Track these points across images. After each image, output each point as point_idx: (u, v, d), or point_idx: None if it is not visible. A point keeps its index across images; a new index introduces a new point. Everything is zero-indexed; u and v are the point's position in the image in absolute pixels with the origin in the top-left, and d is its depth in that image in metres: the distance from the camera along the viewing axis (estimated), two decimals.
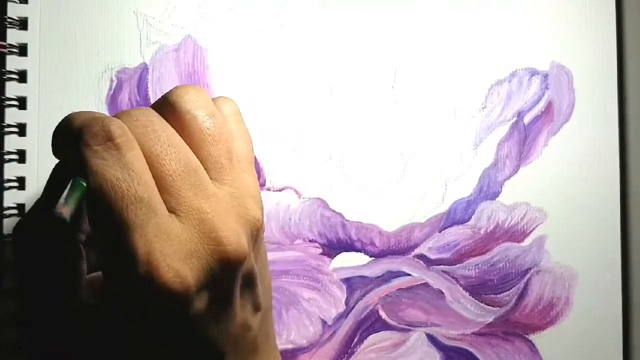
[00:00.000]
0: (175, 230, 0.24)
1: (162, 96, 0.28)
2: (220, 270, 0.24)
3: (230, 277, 0.25)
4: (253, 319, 0.28)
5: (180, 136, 0.26)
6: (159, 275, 0.23)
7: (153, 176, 0.24)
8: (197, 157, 0.26)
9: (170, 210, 0.24)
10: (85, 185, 0.24)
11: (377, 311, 0.40)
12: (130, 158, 0.24)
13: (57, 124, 0.27)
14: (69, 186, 0.24)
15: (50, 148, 0.27)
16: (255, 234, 0.27)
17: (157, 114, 0.27)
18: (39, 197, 0.29)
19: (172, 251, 0.23)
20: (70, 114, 0.26)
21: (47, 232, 0.27)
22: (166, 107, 0.27)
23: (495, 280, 0.41)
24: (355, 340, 0.40)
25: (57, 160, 0.37)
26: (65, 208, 0.24)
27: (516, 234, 0.42)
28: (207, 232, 0.24)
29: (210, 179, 0.26)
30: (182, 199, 0.24)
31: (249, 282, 0.27)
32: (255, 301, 0.28)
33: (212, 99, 0.29)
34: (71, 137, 0.25)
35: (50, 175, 0.29)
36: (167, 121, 0.26)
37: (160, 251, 0.23)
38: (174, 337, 0.25)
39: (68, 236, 0.27)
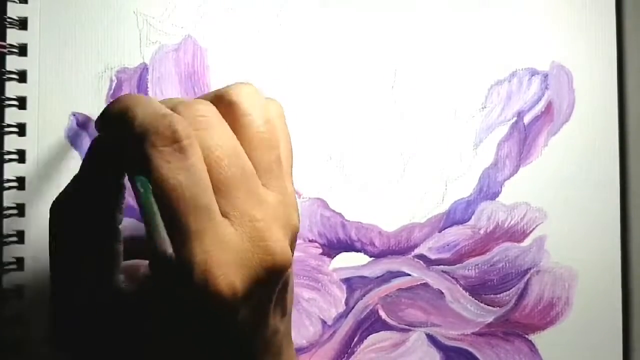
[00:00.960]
0: (230, 237, 0.24)
1: (221, 91, 0.27)
2: (266, 280, 0.25)
3: (274, 285, 0.26)
4: (280, 323, 0.28)
5: (236, 136, 0.26)
6: (214, 284, 0.23)
7: (210, 176, 0.24)
8: (250, 161, 0.26)
9: (224, 214, 0.24)
10: (148, 182, 0.24)
11: (377, 311, 0.40)
12: (195, 162, 0.24)
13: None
14: (140, 188, 0.24)
15: (95, 124, 0.27)
16: (294, 241, 0.27)
17: (217, 111, 0.26)
18: (76, 174, 0.29)
19: (226, 260, 0.23)
20: (129, 101, 0.26)
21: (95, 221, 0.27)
22: (224, 104, 0.27)
23: (495, 281, 0.41)
24: (355, 340, 0.40)
25: (54, 161, 0.37)
26: (156, 234, 0.24)
27: (516, 234, 0.42)
28: (257, 240, 0.24)
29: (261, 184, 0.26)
30: (237, 205, 0.24)
31: (283, 289, 0.28)
32: (284, 306, 0.28)
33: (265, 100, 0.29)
34: (133, 131, 0.24)
35: (92, 151, 0.28)
36: (224, 118, 0.26)
37: (216, 260, 0.23)
38: (213, 341, 0.25)
39: (107, 216, 0.27)
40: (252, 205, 0.25)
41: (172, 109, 0.26)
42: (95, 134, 0.29)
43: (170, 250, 0.23)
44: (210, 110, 0.26)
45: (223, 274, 0.23)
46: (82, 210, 0.27)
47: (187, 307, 0.24)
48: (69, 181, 0.29)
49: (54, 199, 0.29)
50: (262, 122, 0.27)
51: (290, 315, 0.30)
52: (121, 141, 0.25)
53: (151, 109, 0.25)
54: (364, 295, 0.40)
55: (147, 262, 0.28)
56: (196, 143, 0.24)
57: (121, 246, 0.28)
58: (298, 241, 0.40)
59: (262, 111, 0.27)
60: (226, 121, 0.26)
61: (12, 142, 0.36)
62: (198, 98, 0.28)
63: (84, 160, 0.29)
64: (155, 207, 0.24)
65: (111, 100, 0.38)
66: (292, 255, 0.27)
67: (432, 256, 0.41)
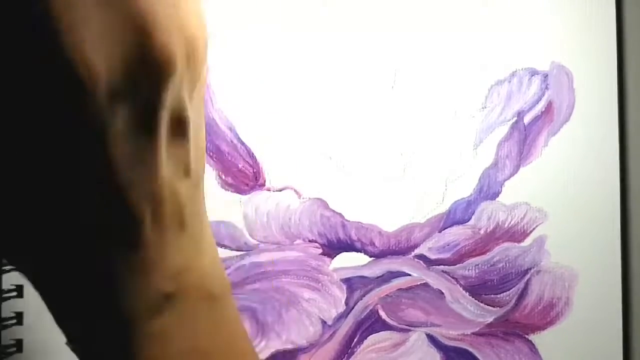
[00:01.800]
0: (95, 9, 0.18)
1: None
2: (141, 73, 0.19)
3: (154, 89, 0.19)
4: (181, 183, 0.21)
5: None
6: (60, 49, 0.17)
7: None
8: None
9: None
10: None
11: (377, 311, 0.40)
12: None
13: None
14: None
15: None
16: (193, 61, 0.21)
17: None
18: None
19: (76, 21, 0.17)
20: None
21: None
22: None
23: (495, 281, 0.41)
24: (355, 340, 0.40)
25: None
26: None
27: (516, 234, 0.42)
28: (130, 12, 0.18)
29: None
30: None
31: (180, 129, 0.21)
32: (186, 160, 0.21)
33: None
34: None
35: None
36: None
37: (66, 21, 0.17)
38: (80, 158, 0.18)
39: None
40: None
41: None
42: None
43: None
44: None
45: (73, 39, 0.17)
46: None
47: (34, 77, 0.17)
48: None
49: None
50: None
51: (199, 186, 0.23)
52: None
53: None
54: (364, 296, 0.40)
55: None
56: None
57: None
58: (298, 241, 0.40)
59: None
60: None
61: None
62: None
63: None
64: None
65: None
66: (184, 74, 0.21)
67: (432, 256, 0.41)
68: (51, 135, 0.18)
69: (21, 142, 0.18)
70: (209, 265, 0.22)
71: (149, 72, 0.19)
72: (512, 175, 0.42)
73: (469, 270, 0.41)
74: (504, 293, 0.41)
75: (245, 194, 0.39)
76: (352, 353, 0.40)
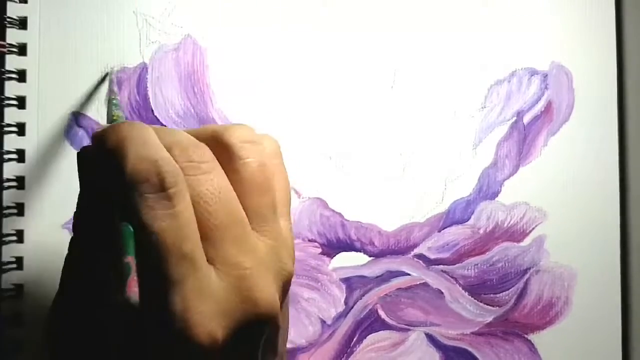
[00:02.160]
0: (213, 286, 0.24)
1: (217, 131, 0.27)
2: (250, 330, 0.25)
3: (258, 335, 0.25)
4: None
5: (229, 178, 0.26)
6: (192, 334, 0.23)
7: (198, 222, 0.24)
8: (242, 205, 0.26)
9: (210, 260, 0.24)
10: (132, 230, 0.24)
11: (377, 311, 0.40)
12: (181, 209, 0.24)
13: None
14: (122, 234, 0.24)
15: (77, 159, 0.27)
16: (287, 287, 0.27)
17: (211, 154, 0.26)
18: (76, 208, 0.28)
19: (207, 310, 0.23)
20: (123, 134, 0.25)
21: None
22: (220, 146, 0.27)
23: (494, 280, 0.41)
24: (355, 339, 0.40)
25: (54, 161, 0.37)
26: (128, 257, 0.24)
27: (515, 234, 0.42)
28: (243, 290, 0.24)
29: (252, 229, 0.26)
30: (224, 252, 0.24)
31: (273, 335, 0.28)
32: (274, 349, 0.28)
33: (259, 136, 0.28)
34: (124, 175, 0.24)
35: (82, 189, 0.28)
36: (217, 158, 0.26)
37: (196, 310, 0.23)
38: None
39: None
40: (240, 253, 0.25)
41: (167, 149, 0.25)
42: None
43: (135, 298, 0.23)
44: (205, 155, 0.26)
45: (202, 324, 0.23)
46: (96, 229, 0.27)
47: (167, 350, 0.23)
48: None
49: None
50: (256, 167, 0.27)
51: (283, 355, 0.30)
52: (111, 178, 0.25)
53: (143, 152, 0.24)
54: (363, 295, 0.40)
55: None
56: (185, 190, 0.24)
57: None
58: (297, 240, 0.40)
59: (257, 154, 0.27)
60: (220, 163, 0.26)
61: (12, 142, 0.37)
62: (196, 131, 0.27)
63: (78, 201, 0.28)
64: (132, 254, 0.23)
65: (109, 101, 0.38)
66: (283, 301, 0.27)
67: (432, 256, 0.41)
68: None
69: None
70: None
71: (256, 328, 0.25)
72: (511, 175, 0.42)
73: (468, 269, 0.41)
74: (503, 293, 0.41)
75: None
76: (352, 352, 0.40)
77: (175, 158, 0.25)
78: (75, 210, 0.28)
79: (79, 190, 0.28)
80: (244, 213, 0.26)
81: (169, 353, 0.23)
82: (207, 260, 0.24)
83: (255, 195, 0.26)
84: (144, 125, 0.26)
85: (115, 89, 0.31)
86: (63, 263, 0.28)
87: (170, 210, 0.23)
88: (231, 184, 0.26)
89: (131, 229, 0.24)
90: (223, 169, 0.26)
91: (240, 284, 0.24)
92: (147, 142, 0.25)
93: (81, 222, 0.27)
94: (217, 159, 0.26)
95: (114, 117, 0.31)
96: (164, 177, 0.24)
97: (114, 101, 0.32)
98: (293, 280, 0.39)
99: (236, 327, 0.24)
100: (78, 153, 0.28)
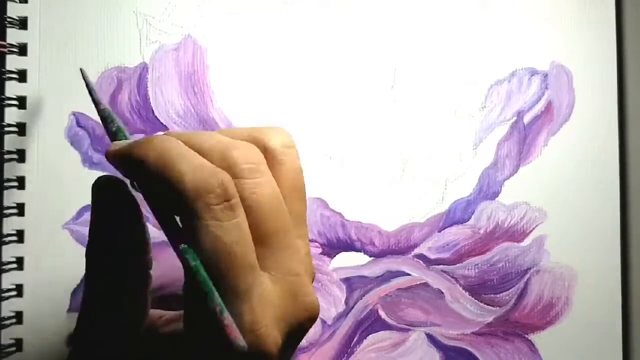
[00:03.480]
0: (270, 293, 0.24)
1: (257, 135, 0.27)
2: (301, 332, 0.26)
3: (303, 335, 0.26)
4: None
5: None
6: (260, 343, 0.23)
7: (251, 227, 0.24)
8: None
9: (264, 268, 0.24)
10: (192, 249, 0.23)
11: (377, 311, 0.40)
12: (242, 219, 0.24)
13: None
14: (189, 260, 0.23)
15: (115, 160, 0.25)
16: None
17: (264, 160, 0.26)
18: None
19: (270, 317, 0.24)
20: (167, 151, 0.24)
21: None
22: (261, 149, 0.26)
23: (494, 280, 0.41)
24: (355, 340, 0.40)
25: (54, 161, 0.37)
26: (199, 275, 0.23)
27: (516, 234, 0.42)
28: (297, 296, 0.25)
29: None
30: (277, 259, 0.25)
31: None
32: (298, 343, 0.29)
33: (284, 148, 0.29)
34: (187, 190, 0.23)
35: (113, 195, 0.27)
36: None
37: (262, 319, 0.24)
38: None
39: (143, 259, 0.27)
40: (291, 259, 0.25)
41: (221, 154, 0.25)
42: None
43: (227, 314, 0.23)
44: (258, 157, 0.25)
45: (268, 333, 0.24)
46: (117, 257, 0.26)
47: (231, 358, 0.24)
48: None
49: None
50: (296, 173, 0.27)
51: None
52: (160, 194, 0.24)
53: (199, 165, 0.24)
54: (363, 295, 0.40)
55: (158, 311, 0.28)
56: (242, 208, 0.24)
57: (148, 292, 0.27)
58: None
59: (296, 160, 0.28)
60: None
61: (12, 142, 0.37)
62: (232, 134, 0.27)
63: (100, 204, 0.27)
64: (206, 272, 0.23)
65: (109, 100, 0.38)
66: None
67: (432, 256, 0.41)
68: None
69: None
70: None
71: (303, 329, 0.26)
72: (511, 175, 0.42)
73: (468, 269, 0.41)
74: (504, 293, 0.41)
75: None
76: (352, 352, 0.40)
77: (232, 159, 0.24)
78: (91, 247, 0.27)
79: (92, 222, 0.26)
80: (291, 221, 0.26)
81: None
82: (261, 267, 0.24)
83: (296, 200, 0.27)
84: (171, 137, 0.25)
85: (99, 97, 0.29)
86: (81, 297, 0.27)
87: (235, 220, 0.23)
88: None
89: (191, 249, 0.23)
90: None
91: (294, 290, 0.25)
92: (193, 155, 0.24)
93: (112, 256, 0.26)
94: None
95: (115, 130, 0.28)
96: (227, 186, 0.23)
97: (106, 113, 0.28)
98: None
99: (291, 330, 0.25)
100: (96, 183, 0.26)
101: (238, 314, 0.23)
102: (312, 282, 0.27)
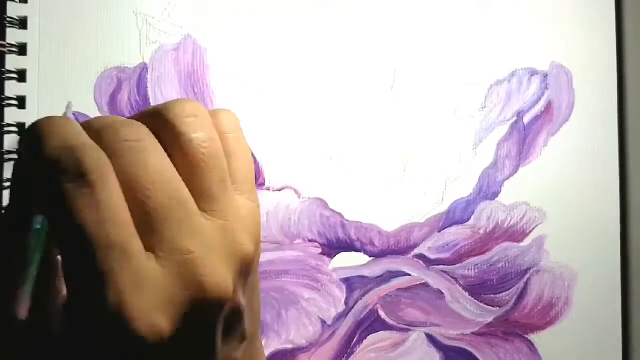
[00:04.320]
0: (152, 275, 0.22)
1: (156, 109, 0.25)
2: (200, 317, 0.23)
3: (211, 322, 0.24)
4: (237, 350, 0.26)
5: (170, 158, 0.24)
6: (131, 328, 0.21)
7: (134, 208, 0.22)
8: (187, 185, 0.24)
9: (149, 248, 0.22)
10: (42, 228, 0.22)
11: (377, 311, 0.40)
12: (105, 197, 0.22)
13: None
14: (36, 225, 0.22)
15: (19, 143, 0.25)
16: (246, 268, 0.25)
17: (149, 133, 0.24)
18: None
19: (146, 301, 0.21)
20: (44, 125, 0.23)
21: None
22: (160, 123, 0.25)
23: (494, 280, 0.41)
24: (355, 339, 0.40)
25: None
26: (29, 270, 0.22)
27: (515, 234, 0.42)
28: (188, 276, 0.22)
29: (200, 210, 0.24)
30: (165, 237, 0.22)
31: (235, 319, 0.26)
32: (241, 334, 0.26)
33: (211, 112, 0.26)
34: (41, 163, 0.22)
35: (14, 176, 0.26)
36: (158, 138, 0.24)
37: (131, 302, 0.21)
38: None
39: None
40: (184, 237, 0.23)
41: (96, 134, 0.23)
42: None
43: (24, 312, 0.22)
44: (139, 133, 0.23)
45: (140, 317, 0.21)
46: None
47: (107, 351, 0.22)
48: None
49: None
50: (202, 142, 0.24)
51: (254, 335, 0.28)
52: (31, 171, 0.23)
53: (62, 138, 0.22)
54: (363, 295, 0.40)
55: None
56: (109, 175, 0.22)
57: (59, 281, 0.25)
58: (297, 240, 0.40)
59: (204, 131, 0.25)
60: (160, 139, 0.24)
61: (12, 141, 0.36)
62: (135, 115, 0.26)
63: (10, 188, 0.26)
64: (37, 258, 0.22)
65: (109, 100, 0.38)
66: (239, 285, 0.25)
67: (432, 256, 0.41)
68: None
69: None
70: None
71: (206, 314, 0.23)
72: (511, 175, 0.42)
73: (468, 269, 0.41)
74: (504, 293, 0.41)
75: None
76: (352, 353, 0.40)
77: (106, 142, 0.23)
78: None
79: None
80: (188, 193, 0.23)
81: (115, 354, 0.22)
82: (146, 248, 0.22)
83: (200, 172, 0.24)
84: (68, 117, 0.24)
85: None
86: None
87: (93, 199, 0.21)
88: (176, 164, 0.24)
89: (41, 226, 0.22)
90: (166, 148, 0.24)
91: (183, 270, 0.22)
92: (68, 129, 0.23)
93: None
94: (159, 139, 0.24)
95: None
96: (82, 162, 0.22)
97: None
98: (293, 280, 0.39)
99: (183, 315, 0.22)
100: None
101: (101, 299, 0.21)
102: (240, 260, 0.25)
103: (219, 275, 0.23)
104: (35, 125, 0.23)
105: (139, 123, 0.24)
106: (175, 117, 0.25)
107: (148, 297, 0.21)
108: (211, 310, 0.23)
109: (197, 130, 0.25)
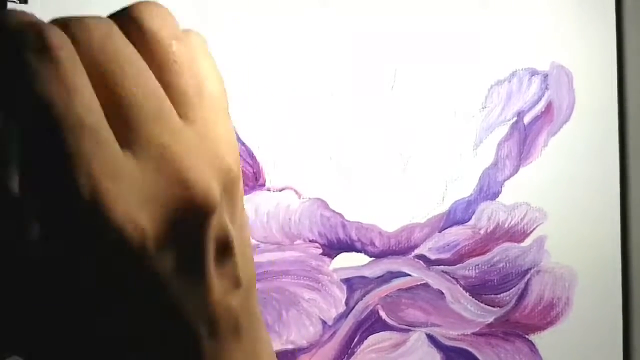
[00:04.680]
0: (129, 168, 0.20)
1: (121, 9, 0.23)
2: (186, 220, 0.20)
3: (198, 230, 0.21)
4: (233, 296, 0.23)
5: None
6: (108, 216, 0.19)
7: (105, 101, 0.20)
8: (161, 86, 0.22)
9: (125, 144, 0.20)
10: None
11: (377, 311, 0.40)
12: (70, 74, 0.19)
13: None
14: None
15: None
16: (230, 187, 0.22)
17: (117, 27, 0.22)
18: None
19: (123, 191, 0.19)
20: (7, 12, 0.21)
21: None
22: (125, 23, 0.22)
23: (495, 281, 0.41)
24: (356, 340, 0.40)
25: None
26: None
27: (516, 234, 0.42)
28: (170, 173, 0.20)
29: (177, 114, 0.22)
30: (142, 131, 0.20)
31: (224, 248, 0.23)
32: (235, 274, 0.23)
33: (182, 30, 0.26)
34: (1, 39, 0.20)
35: None
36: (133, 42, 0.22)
37: (107, 189, 0.19)
38: (134, 301, 0.20)
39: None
40: (163, 133, 0.20)
41: (62, 25, 0.21)
42: None
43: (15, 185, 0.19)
44: (106, 26, 0.21)
45: (120, 207, 0.19)
46: None
47: (85, 252, 0.20)
48: None
49: None
50: (173, 43, 0.22)
51: (251, 289, 0.24)
52: None
53: (25, 17, 0.21)
54: (364, 296, 0.40)
55: None
56: (76, 57, 0.20)
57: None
58: (298, 241, 0.40)
59: (173, 31, 0.22)
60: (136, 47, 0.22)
61: None
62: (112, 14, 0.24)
63: None
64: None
65: None
66: (224, 203, 0.22)
67: (432, 256, 0.41)
68: (108, 286, 0.20)
69: (81, 291, 0.20)
70: None
71: (192, 218, 0.21)
72: (512, 175, 0.42)
73: (469, 270, 0.41)
74: (504, 293, 0.41)
75: (246, 194, 0.39)
76: (352, 353, 0.40)
77: (73, 31, 0.20)
78: None
79: None
80: (164, 93, 0.21)
81: (88, 253, 0.19)
82: (122, 145, 0.20)
83: (173, 74, 0.22)
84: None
85: None
86: None
87: (58, 73, 0.19)
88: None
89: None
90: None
91: (167, 166, 0.20)
92: (30, 14, 0.21)
93: None
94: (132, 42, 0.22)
95: None
96: (47, 35, 0.20)
97: None
98: (294, 281, 0.39)
99: (166, 216, 0.20)
100: None
101: (71, 182, 0.19)
102: (224, 176, 0.22)
103: (203, 176, 0.21)
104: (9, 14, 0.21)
105: (105, 17, 0.22)
106: (141, 14, 0.22)
107: (125, 189, 0.19)
108: (198, 214, 0.21)
109: (165, 29, 0.22)
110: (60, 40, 0.20)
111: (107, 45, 0.21)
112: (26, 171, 0.19)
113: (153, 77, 0.21)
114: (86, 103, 0.19)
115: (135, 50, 0.21)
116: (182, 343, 0.21)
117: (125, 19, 0.22)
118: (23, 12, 0.21)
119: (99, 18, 0.21)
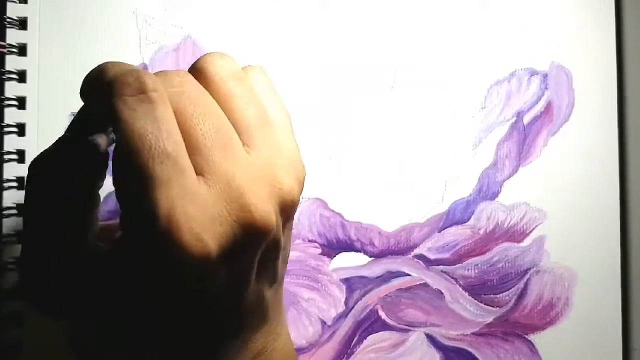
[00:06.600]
0: (201, 192, 0.23)
1: (192, 65, 0.27)
2: (244, 239, 0.23)
3: (254, 247, 0.24)
4: (267, 291, 0.27)
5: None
6: (179, 236, 0.22)
7: (184, 136, 0.24)
8: (229, 120, 0.26)
9: (199, 172, 0.23)
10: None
11: (377, 311, 0.40)
12: (161, 113, 0.23)
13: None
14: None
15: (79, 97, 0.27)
16: (287, 208, 0.26)
17: (192, 77, 0.26)
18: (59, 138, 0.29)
19: (195, 213, 0.22)
20: (105, 64, 0.26)
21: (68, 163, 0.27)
22: (195, 73, 0.27)
23: (494, 281, 0.41)
24: (355, 340, 0.40)
25: None
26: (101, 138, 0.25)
27: (516, 234, 0.42)
28: (234, 197, 0.23)
29: (242, 144, 0.25)
30: (212, 161, 0.24)
31: (272, 256, 0.26)
32: (274, 274, 0.27)
33: (243, 67, 0.29)
34: (104, 85, 0.24)
35: (74, 122, 0.29)
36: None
37: (182, 211, 0.22)
38: (187, 304, 0.24)
39: (86, 179, 0.27)
40: (229, 164, 0.24)
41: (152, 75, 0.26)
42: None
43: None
44: (184, 75, 0.26)
45: (191, 228, 0.22)
46: (60, 171, 0.27)
47: (156, 263, 0.22)
48: None
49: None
50: (235, 82, 0.27)
51: (280, 284, 0.29)
52: (95, 101, 0.25)
53: (122, 66, 0.25)
54: (363, 296, 0.40)
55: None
56: (166, 98, 0.24)
57: (98, 211, 0.27)
58: (297, 241, 0.40)
59: (235, 73, 0.27)
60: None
61: (12, 142, 0.37)
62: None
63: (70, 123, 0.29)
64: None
65: None
66: (280, 221, 0.26)
67: (432, 256, 0.41)
68: (180, 305, 0.24)
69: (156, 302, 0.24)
70: (282, 346, 0.29)
71: (251, 238, 0.24)
72: (511, 175, 0.42)
73: (468, 270, 0.41)
74: (504, 293, 0.41)
75: None
76: (352, 353, 0.40)
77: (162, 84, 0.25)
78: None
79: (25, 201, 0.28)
80: (231, 126, 0.25)
81: (158, 265, 0.22)
82: (196, 172, 0.23)
83: (239, 109, 0.26)
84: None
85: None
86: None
87: (153, 112, 0.23)
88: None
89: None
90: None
91: (231, 191, 0.23)
92: (130, 65, 0.25)
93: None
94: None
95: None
96: (143, 80, 0.24)
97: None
98: (293, 281, 0.39)
99: (230, 236, 0.23)
100: (32, 163, 0.28)
101: (152, 203, 0.22)
102: (281, 195, 0.26)
103: (263, 201, 0.24)
104: (97, 66, 0.26)
105: (184, 70, 0.27)
106: (205, 64, 0.27)
107: (198, 213, 0.22)
108: (255, 234, 0.24)
109: (228, 72, 0.27)
110: (154, 84, 0.24)
111: (185, 89, 0.25)
112: (117, 186, 0.23)
113: (222, 114, 0.25)
114: (173, 136, 0.23)
115: (206, 92, 0.26)
116: (228, 325, 0.25)
117: (195, 70, 0.27)
118: (117, 63, 0.26)
119: (177, 72, 0.26)
